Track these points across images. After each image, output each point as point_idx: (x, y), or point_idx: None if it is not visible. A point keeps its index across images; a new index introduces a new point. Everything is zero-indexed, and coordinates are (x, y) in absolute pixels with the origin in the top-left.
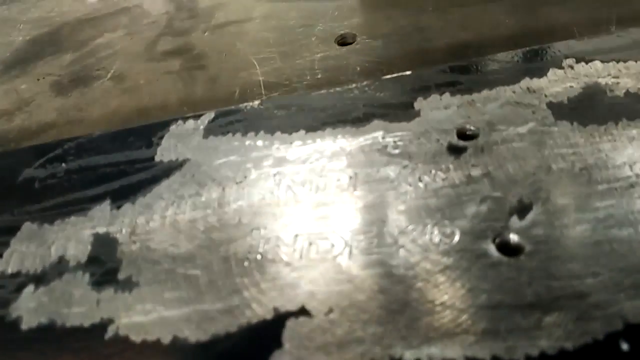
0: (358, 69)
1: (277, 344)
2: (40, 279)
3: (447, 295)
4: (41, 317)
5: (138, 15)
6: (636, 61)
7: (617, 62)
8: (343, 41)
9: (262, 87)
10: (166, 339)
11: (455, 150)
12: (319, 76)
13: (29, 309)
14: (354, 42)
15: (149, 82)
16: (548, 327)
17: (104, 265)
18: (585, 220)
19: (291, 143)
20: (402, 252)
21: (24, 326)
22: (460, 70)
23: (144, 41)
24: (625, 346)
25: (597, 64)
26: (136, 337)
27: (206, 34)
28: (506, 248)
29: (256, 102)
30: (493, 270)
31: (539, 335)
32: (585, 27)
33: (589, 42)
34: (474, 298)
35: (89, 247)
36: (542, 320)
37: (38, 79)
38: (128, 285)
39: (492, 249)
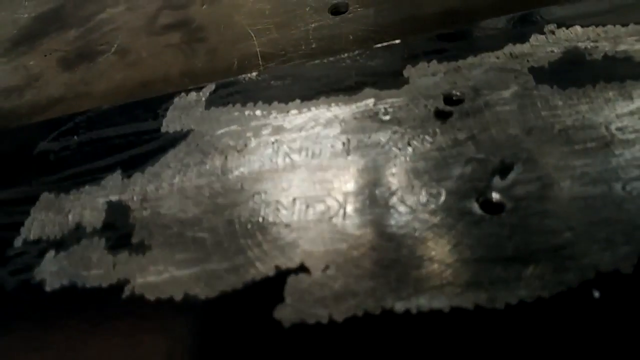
0: (351, 37)
1: (280, 298)
2: (60, 244)
3: (434, 251)
4: (63, 279)
5: None
6: (614, 25)
7: (596, 26)
8: (336, 10)
9: (260, 58)
10: (178, 297)
11: (442, 115)
12: (314, 46)
13: (52, 272)
14: (346, 11)
15: (151, 56)
16: (527, 278)
17: (118, 231)
18: (563, 178)
19: (288, 112)
20: (392, 212)
21: (48, 288)
22: (447, 38)
23: (145, 15)
24: (596, 294)
25: (577, 28)
26: (151, 296)
27: (204, 6)
28: (489, 206)
29: (254, 74)
30: (476, 227)
31: (518, 285)
32: None
33: (570, 7)
34: (459, 253)
35: (104, 214)
36: (522, 272)
37: (45, 55)
38: (141, 248)
39: (475, 207)
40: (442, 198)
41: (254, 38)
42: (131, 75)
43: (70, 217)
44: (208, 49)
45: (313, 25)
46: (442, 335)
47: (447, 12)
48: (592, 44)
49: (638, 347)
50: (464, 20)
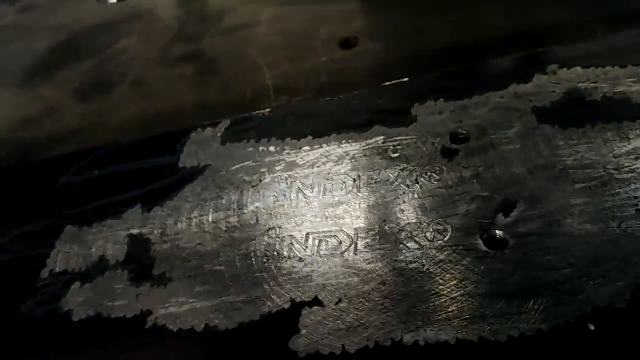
0: (360, 72)
1: (295, 330)
2: (85, 276)
3: (441, 285)
4: (89, 310)
5: (151, 20)
6: (613, 66)
7: (597, 67)
8: (346, 43)
9: (272, 92)
10: (199, 328)
11: (448, 153)
12: (324, 80)
13: (78, 303)
14: (356, 45)
15: (165, 88)
16: (528, 312)
17: (140, 263)
18: (563, 217)
19: (300, 148)
20: (401, 248)
21: (75, 318)
22: (453, 77)
23: (159, 47)
24: (592, 327)
25: (578, 69)
26: (173, 327)
27: (217, 38)
28: (493, 243)
29: (267, 110)
30: (481, 263)
31: (519, 319)
32: (574, 29)
33: (572, 49)
34: (464, 288)
35: (126, 247)
36: (523, 307)
37: (62, 86)
38: (162, 280)
39: (480, 244)
40: (449, 235)
41: (266, 71)
42: (146, 107)
43: (93, 249)
44: (221, 82)
45: (323, 59)
46: None
47: (455, 47)
48: (592, 85)
49: None
50: (471, 55)
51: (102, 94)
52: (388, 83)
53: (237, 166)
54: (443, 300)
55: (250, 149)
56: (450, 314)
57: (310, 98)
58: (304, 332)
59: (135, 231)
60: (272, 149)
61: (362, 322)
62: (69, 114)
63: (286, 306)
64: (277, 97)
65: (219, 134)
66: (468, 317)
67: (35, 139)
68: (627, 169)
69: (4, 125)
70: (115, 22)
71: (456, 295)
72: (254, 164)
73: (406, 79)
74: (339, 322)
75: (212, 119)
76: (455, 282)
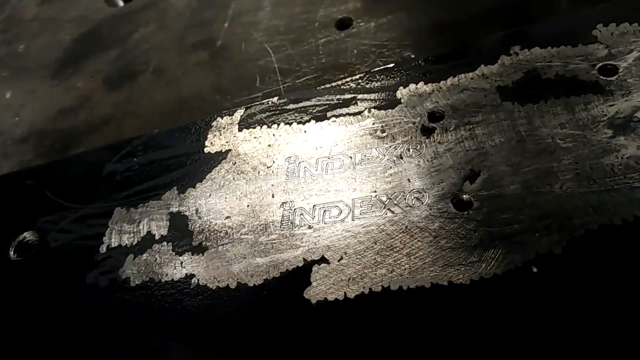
0: (355, 51)
1: (308, 282)
2: (136, 249)
3: (420, 241)
4: (143, 276)
5: (165, 8)
6: (566, 46)
7: (552, 47)
8: (341, 25)
9: (278, 73)
10: (233, 285)
11: (427, 131)
12: (323, 60)
13: (134, 271)
14: (350, 25)
15: (184, 74)
16: (486, 260)
17: (181, 236)
18: (517, 181)
19: (305, 132)
20: (388, 213)
21: (133, 284)
22: (432, 62)
23: (174, 34)
24: (535, 269)
25: (537, 49)
26: (212, 285)
27: (226, 24)
28: (461, 205)
29: (275, 98)
30: (451, 222)
31: (479, 265)
32: (543, 3)
33: (533, 29)
34: (438, 242)
35: (168, 224)
36: (482, 255)
37: (91, 76)
38: (200, 249)
39: (451, 207)
40: (426, 200)
41: (272, 54)
42: (169, 93)
43: (141, 226)
44: (233, 66)
45: (322, 40)
46: (425, 305)
47: (438, 25)
48: (547, 64)
49: (563, 305)
50: (453, 32)
51: (129, 82)
52: (376, 69)
53: (254, 149)
54: (421, 252)
55: (264, 134)
56: (426, 263)
57: (313, 79)
58: (314, 284)
59: (174, 210)
60: (281, 133)
61: (359, 274)
62: (101, 103)
63: (300, 264)
64: (283, 78)
65: (236, 122)
66: (440, 265)
67: (73, 127)
68: (570, 139)
69: (46, 116)
70: (131, 11)
71: (431, 249)
72: (267, 147)
73: (392, 64)
74: (341, 274)
75: (229, 102)
76: (430, 238)
